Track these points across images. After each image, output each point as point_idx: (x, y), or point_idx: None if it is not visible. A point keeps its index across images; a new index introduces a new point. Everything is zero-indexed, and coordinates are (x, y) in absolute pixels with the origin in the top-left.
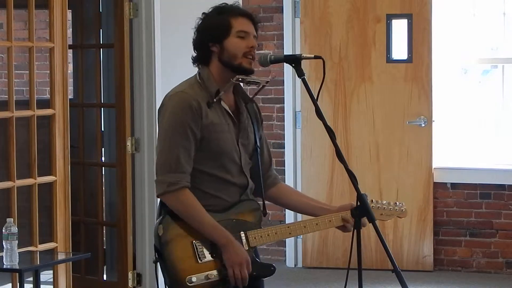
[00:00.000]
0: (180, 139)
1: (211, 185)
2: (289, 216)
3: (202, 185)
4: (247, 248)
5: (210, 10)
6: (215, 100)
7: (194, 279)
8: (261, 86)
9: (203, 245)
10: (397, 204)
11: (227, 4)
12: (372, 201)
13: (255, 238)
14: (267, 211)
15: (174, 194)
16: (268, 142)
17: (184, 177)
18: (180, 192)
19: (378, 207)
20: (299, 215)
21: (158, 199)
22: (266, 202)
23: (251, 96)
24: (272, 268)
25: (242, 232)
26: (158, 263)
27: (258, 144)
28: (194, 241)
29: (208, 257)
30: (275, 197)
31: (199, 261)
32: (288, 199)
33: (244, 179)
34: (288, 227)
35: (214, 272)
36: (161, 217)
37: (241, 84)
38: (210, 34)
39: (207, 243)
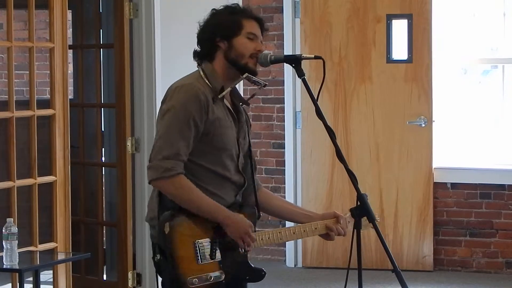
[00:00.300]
0: (182, 128)
1: (210, 181)
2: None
3: (202, 181)
4: (243, 251)
5: (221, 8)
6: (219, 96)
7: (195, 280)
8: (260, 87)
9: (204, 246)
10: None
11: (238, 5)
12: (350, 209)
13: None
14: (261, 214)
15: (170, 179)
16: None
17: (180, 165)
18: (176, 178)
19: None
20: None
21: (154, 196)
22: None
23: (246, 99)
24: (263, 273)
25: None
26: (158, 261)
27: (251, 146)
28: (196, 241)
29: (208, 258)
30: (258, 202)
31: (200, 262)
32: (270, 205)
33: (240, 177)
34: (279, 232)
35: (213, 274)
36: (166, 213)
37: (243, 82)
38: (220, 30)
39: (207, 243)
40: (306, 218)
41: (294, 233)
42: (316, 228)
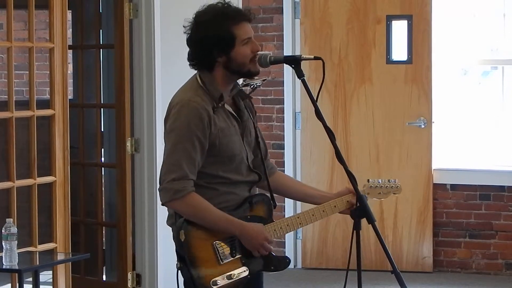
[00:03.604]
0: (187, 148)
1: (224, 185)
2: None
3: (215, 185)
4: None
5: (206, 15)
6: (219, 105)
7: (218, 281)
8: (257, 86)
9: (223, 246)
10: (391, 181)
11: (223, 4)
12: (368, 180)
13: (269, 232)
14: (276, 203)
15: (181, 200)
16: (261, 132)
17: (189, 183)
18: (187, 197)
19: (376, 186)
20: (297, 210)
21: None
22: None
23: (248, 92)
24: (288, 260)
25: None
26: (179, 268)
27: (259, 137)
28: (214, 243)
29: (229, 257)
30: (273, 187)
31: (221, 263)
32: (286, 188)
33: (254, 176)
34: (298, 217)
35: (237, 271)
36: (181, 221)
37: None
38: (215, 45)
39: (226, 242)
40: (322, 198)
41: (313, 215)
42: (335, 206)
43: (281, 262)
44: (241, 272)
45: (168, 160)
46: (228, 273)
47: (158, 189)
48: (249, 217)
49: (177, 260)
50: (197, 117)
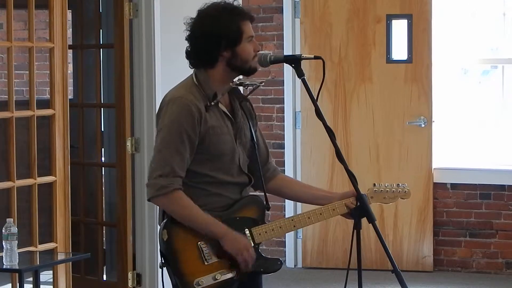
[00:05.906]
0: (176, 145)
1: (212, 185)
2: (289, 214)
3: (204, 185)
4: (253, 245)
5: (213, 10)
6: (212, 103)
7: (202, 281)
8: (256, 86)
9: (208, 246)
10: (400, 185)
11: (229, 3)
12: (374, 184)
13: (260, 234)
14: (270, 205)
15: (166, 196)
16: (263, 135)
17: (176, 181)
18: (172, 194)
19: (381, 190)
20: (298, 211)
21: None
22: (267, 196)
23: (245, 95)
24: (279, 262)
25: (246, 229)
26: (164, 267)
27: (254, 140)
28: (199, 243)
29: (214, 258)
30: (276, 189)
31: (206, 263)
32: (289, 190)
33: (244, 178)
34: (292, 219)
35: (221, 272)
36: (164, 221)
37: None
38: (225, 40)
39: (211, 243)
40: (326, 199)
41: (309, 218)
42: (334, 210)
43: (272, 264)
44: (227, 273)
45: (157, 156)
46: (213, 274)
47: (146, 184)
48: (238, 218)
49: (161, 259)
50: (187, 114)
